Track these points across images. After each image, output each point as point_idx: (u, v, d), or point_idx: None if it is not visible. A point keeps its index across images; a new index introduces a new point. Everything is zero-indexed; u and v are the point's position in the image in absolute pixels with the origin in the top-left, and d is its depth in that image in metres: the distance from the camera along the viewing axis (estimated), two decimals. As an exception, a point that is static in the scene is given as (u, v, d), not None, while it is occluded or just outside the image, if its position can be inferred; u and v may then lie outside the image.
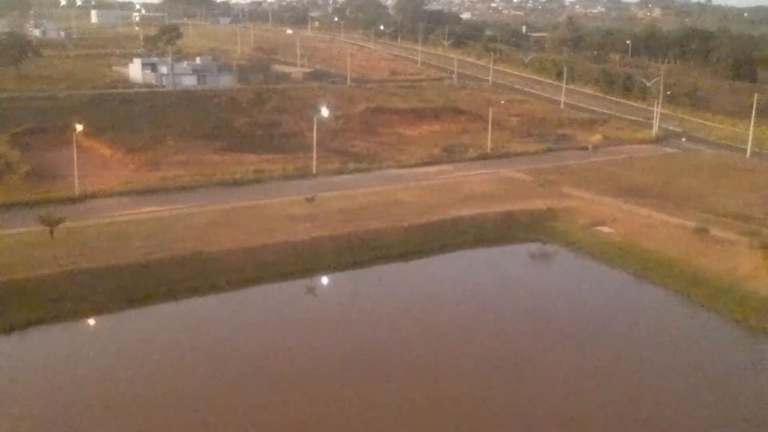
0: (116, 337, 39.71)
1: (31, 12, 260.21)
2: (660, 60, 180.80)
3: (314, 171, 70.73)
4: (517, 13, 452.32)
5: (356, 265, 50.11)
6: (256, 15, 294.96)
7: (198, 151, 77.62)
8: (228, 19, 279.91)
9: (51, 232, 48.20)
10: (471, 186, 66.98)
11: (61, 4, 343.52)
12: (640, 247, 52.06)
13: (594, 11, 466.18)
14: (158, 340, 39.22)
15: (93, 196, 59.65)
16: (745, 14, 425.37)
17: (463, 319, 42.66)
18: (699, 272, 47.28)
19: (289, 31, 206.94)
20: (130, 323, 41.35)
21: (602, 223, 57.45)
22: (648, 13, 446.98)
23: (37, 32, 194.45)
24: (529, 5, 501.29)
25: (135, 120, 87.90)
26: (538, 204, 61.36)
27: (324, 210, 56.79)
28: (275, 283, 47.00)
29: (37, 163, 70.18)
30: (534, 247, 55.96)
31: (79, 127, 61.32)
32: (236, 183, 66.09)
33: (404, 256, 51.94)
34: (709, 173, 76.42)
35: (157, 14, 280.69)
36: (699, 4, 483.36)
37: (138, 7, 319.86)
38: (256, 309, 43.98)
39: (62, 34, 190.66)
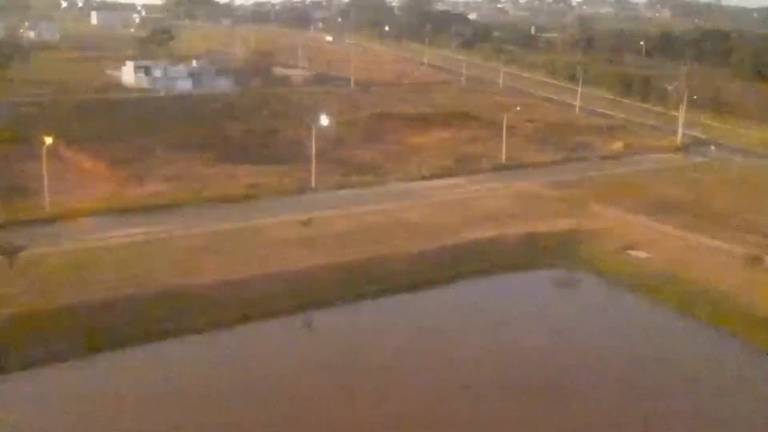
0: (73, 392, 33.58)
1: (30, 13, 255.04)
2: (675, 61, 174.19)
3: (313, 185, 64.49)
4: (524, 13, 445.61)
5: (359, 298, 43.87)
6: (258, 16, 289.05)
7: (188, 162, 71.49)
8: (230, 21, 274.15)
9: (9, 262, 42.10)
10: (486, 202, 60.64)
11: (63, 6, 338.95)
12: (683, 277, 45.59)
13: (601, 12, 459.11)
14: (123, 394, 33.08)
15: (66, 216, 53.32)
16: (755, 14, 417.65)
17: (485, 365, 36.49)
18: (756, 311, 40.78)
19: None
20: (91, 374, 35.13)
21: (636, 247, 51.07)
22: (657, 14, 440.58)
23: (32, 34, 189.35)
24: (536, 6, 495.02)
25: (122, 128, 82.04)
26: (562, 224, 55.06)
27: (323, 233, 50.55)
28: (265, 321, 40.79)
29: (11, 177, 64.29)
30: (559, 275, 49.54)
31: (48, 140, 55.06)
32: (227, 200, 59.77)
33: (414, 286, 45.71)
34: (745, 186, 69.79)
35: (158, 16, 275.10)
36: (708, 4, 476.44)
37: (139, 8, 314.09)
38: (241, 354, 37.66)
39: (57, 36, 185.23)
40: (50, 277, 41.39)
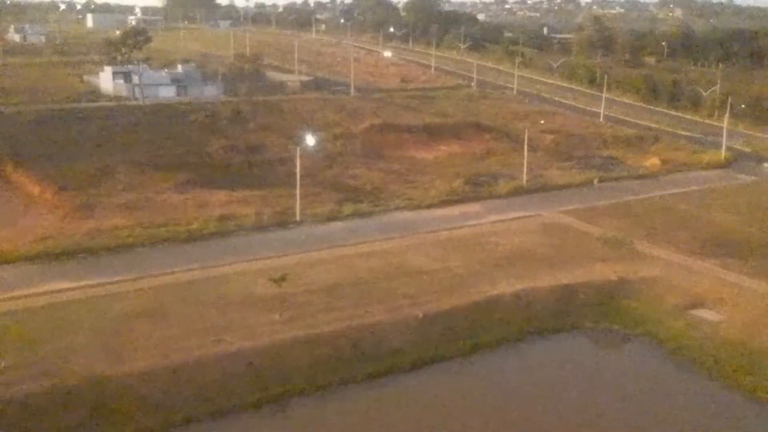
0: None
1: (25, 17, 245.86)
2: (699, 63, 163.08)
3: (298, 217, 53.67)
4: (533, 14, 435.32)
5: (345, 383, 33.11)
6: (260, 19, 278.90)
7: (154, 186, 60.84)
8: (228, 23, 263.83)
9: None
10: (508, 239, 49.64)
11: (61, 8, 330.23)
12: (774, 353, 34.72)
13: (612, 12, 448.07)
14: None
15: (-17, 263, 42.92)
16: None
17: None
18: None
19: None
20: None
21: (701, 304, 40.20)
22: (669, 13, 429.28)
23: (17, 37, 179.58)
24: (544, 6, 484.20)
25: (86, 143, 71.53)
26: (605, 270, 44.16)
27: (302, 288, 39.72)
28: (215, 423, 30.03)
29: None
30: (605, 341, 38.71)
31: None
32: (191, 238, 49.00)
33: (418, 365, 34.90)
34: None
35: (154, 18, 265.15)
36: (720, 3, 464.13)
37: (137, 10, 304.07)
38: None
39: (43, 39, 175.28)
40: (-72, 363, 30.84)
